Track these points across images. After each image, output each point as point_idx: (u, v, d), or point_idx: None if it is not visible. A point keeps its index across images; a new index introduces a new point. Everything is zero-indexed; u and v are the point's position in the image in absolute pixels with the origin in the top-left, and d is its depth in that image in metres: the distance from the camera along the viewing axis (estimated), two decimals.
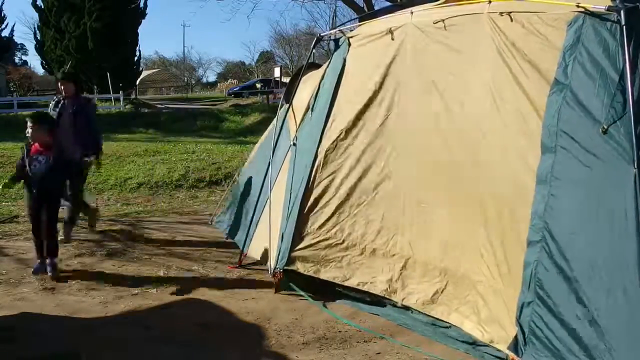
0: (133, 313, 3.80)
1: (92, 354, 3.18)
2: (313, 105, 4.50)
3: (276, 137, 4.75)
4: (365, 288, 3.78)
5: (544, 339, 2.68)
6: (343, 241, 3.95)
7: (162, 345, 3.32)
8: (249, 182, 5.47)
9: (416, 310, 3.54)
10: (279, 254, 4.19)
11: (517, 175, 2.98)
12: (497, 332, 3.02)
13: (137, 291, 4.20)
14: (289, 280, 4.10)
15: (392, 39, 3.87)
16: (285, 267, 4.09)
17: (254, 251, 4.74)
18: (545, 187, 2.78)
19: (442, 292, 3.42)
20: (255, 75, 44.74)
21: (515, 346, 2.82)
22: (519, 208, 2.95)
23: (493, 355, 3.05)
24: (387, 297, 3.68)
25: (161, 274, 4.62)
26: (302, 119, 4.62)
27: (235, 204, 5.61)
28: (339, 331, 3.50)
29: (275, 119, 5.06)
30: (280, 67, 29.87)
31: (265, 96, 26.83)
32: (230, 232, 5.47)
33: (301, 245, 4.09)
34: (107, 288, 4.26)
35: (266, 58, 48.49)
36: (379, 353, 3.21)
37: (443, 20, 3.49)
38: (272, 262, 4.24)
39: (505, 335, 2.94)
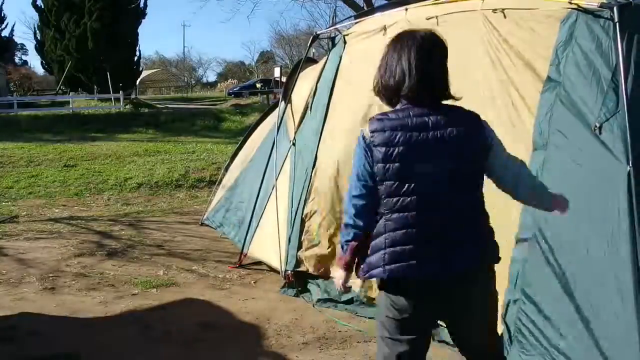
0: (133, 313, 3.80)
1: (92, 354, 3.18)
2: (311, 105, 4.50)
3: (275, 136, 4.75)
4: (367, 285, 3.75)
5: (531, 338, 2.66)
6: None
7: (162, 345, 3.32)
8: (246, 182, 5.47)
9: None
10: (287, 256, 4.20)
11: None
12: None
13: (137, 291, 4.20)
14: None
15: (386, 36, 3.88)
16: (295, 269, 4.10)
17: (256, 251, 4.74)
18: None
19: None
20: (255, 75, 44.71)
21: (501, 345, 2.81)
22: (507, 206, 2.93)
23: None
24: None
25: (161, 274, 4.62)
26: (301, 119, 4.62)
27: (231, 203, 5.61)
28: (339, 331, 3.50)
29: (275, 117, 5.07)
30: (280, 67, 29.84)
31: (265, 96, 26.83)
32: (227, 231, 5.47)
33: (306, 245, 4.10)
34: (107, 288, 4.26)
35: (266, 58, 48.46)
36: None
37: (436, 17, 3.49)
38: (282, 264, 4.24)
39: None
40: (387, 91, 2.01)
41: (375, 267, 1.92)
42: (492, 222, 3.00)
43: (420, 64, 1.93)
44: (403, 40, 1.98)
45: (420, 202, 1.88)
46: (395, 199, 1.89)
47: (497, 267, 2.90)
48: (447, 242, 1.89)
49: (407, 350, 1.97)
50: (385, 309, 1.97)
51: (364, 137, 1.95)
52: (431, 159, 1.89)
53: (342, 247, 1.99)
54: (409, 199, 1.88)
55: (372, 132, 1.93)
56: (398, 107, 1.99)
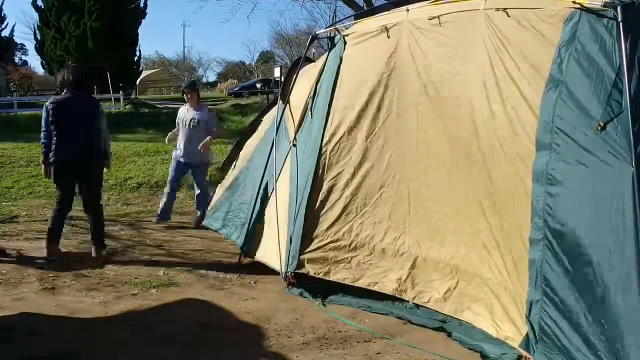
0: (133, 313, 3.79)
1: (92, 354, 3.17)
2: (312, 106, 4.49)
3: (274, 136, 4.74)
4: (375, 288, 3.79)
5: (554, 337, 2.68)
6: (351, 242, 3.96)
7: (162, 345, 3.31)
8: (247, 182, 5.45)
9: (425, 308, 3.54)
10: (288, 257, 4.19)
11: (514, 172, 2.97)
12: (511, 329, 3.01)
13: (137, 291, 4.20)
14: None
15: (388, 37, 3.88)
16: (296, 271, 4.09)
17: (255, 252, 4.74)
18: (541, 185, 2.78)
19: (454, 290, 3.42)
20: (255, 75, 44.69)
21: (527, 344, 2.82)
22: (517, 206, 2.95)
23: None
24: (398, 296, 3.68)
25: (161, 274, 4.61)
26: (301, 120, 4.61)
27: (231, 205, 5.60)
28: (339, 331, 3.50)
29: (272, 116, 5.06)
30: (280, 67, 29.78)
31: (265, 96, 26.83)
32: (229, 233, 5.46)
33: (310, 248, 4.10)
34: (107, 288, 4.25)
35: (266, 58, 48.42)
36: (379, 353, 3.21)
37: (438, 17, 3.49)
38: (282, 266, 4.24)
39: (518, 332, 2.94)
40: None
41: None
42: (504, 221, 3.00)
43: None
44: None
45: None
46: None
47: (517, 267, 2.96)
48: None
49: None
50: None
51: None
52: None
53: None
54: None
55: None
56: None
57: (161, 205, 6.44)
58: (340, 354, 3.21)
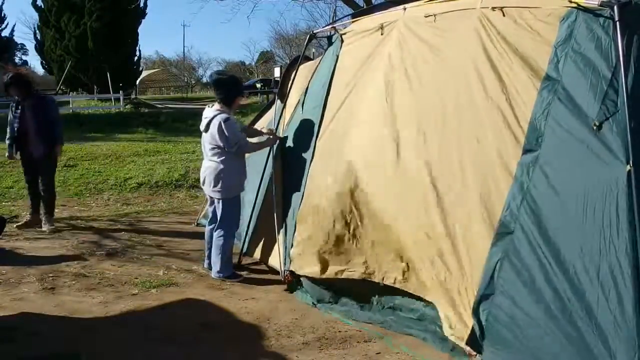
0: (133, 313, 3.80)
1: (92, 354, 3.18)
2: (304, 102, 4.48)
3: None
4: (343, 276, 3.66)
5: (507, 335, 2.64)
6: (311, 235, 3.89)
7: (162, 345, 3.32)
8: (247, 183, 5.46)
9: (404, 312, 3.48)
10: (285, 257, 4.19)
11: (493, 168, 2.95)
12: (460, 324, 2.94)
13: (137, 291, 4.20)
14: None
15: (383, 35, 3.88)
16: (289, 269, 4.08)
17: (255, 252, 4.73)
18: (524, 181, 2.76)
19: (408, 271, 3.30)
20: (255, 75, 44.74)
21: (473, 341, 2.78)
22: (490, 200, 2.91)
23: None
24: (367, 279, 3.54)
25: (161, 274, 4.62)
26: (292, 116, 4.61)
27: None
28: (339, 331, 3.50)
29: (270, 116, 5.06)
30: (280, 67, 29.82)
31: (265, 96, 26.85)
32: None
33: (293, 245, 4.09)
34: (107, 288, 4.26)
35: (266, 58, 48.47)
36: (378, 353, 3.22)
37: (434, 15, 3.49)
38: (281, 265, 4.22)
39: (465, 326, 2.88)
40: None
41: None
42: (474, 213, 2.95)
43: None
44: None
45: None
46: None
47: (472, 260, 2.90)
48: None
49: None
50: None
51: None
52: None
53: None
54: None
55: None
56: None
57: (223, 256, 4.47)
58: (340, 354, 3.21)
